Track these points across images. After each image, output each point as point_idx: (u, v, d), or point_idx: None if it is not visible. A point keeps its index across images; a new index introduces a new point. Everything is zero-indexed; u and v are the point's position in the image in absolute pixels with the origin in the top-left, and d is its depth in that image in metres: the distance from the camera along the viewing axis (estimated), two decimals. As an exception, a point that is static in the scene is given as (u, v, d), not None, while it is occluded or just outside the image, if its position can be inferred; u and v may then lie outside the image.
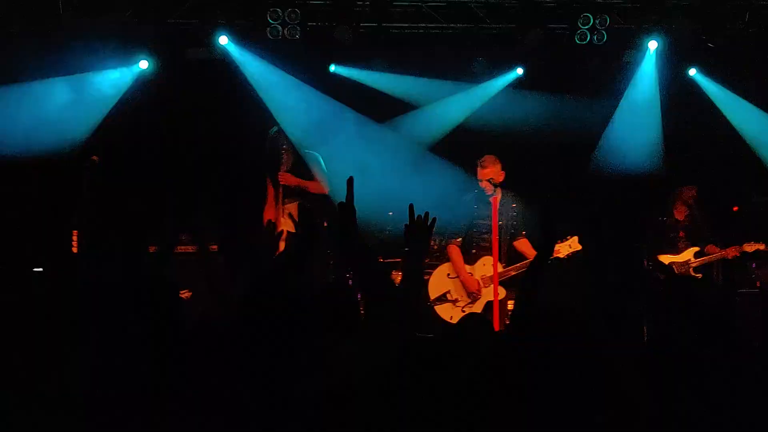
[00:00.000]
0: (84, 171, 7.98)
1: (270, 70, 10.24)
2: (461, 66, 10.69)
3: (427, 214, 3.86)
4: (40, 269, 9.50)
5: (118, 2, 9.96)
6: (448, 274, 8.69)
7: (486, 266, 8.35)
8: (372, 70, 10.75)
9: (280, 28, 9.72)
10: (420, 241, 3.85)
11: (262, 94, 10.04)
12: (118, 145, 9.88)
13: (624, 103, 10.81)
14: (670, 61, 10.59)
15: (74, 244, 7.70)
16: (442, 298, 8.62)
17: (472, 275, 8.45)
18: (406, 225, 3.85)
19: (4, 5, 9.39)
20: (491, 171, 8.25)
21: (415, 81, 10.76)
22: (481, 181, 8.31)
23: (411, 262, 3.83)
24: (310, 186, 8.77)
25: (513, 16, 10.31)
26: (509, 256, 8.50)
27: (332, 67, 10.78)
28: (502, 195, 8.38)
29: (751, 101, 10.72)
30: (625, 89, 10.77)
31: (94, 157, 8.12)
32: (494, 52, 10.54)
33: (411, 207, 3.87)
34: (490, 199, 8.06)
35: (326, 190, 8.76)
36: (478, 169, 8.39)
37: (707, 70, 10.85)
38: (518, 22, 10.22)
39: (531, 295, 4.05)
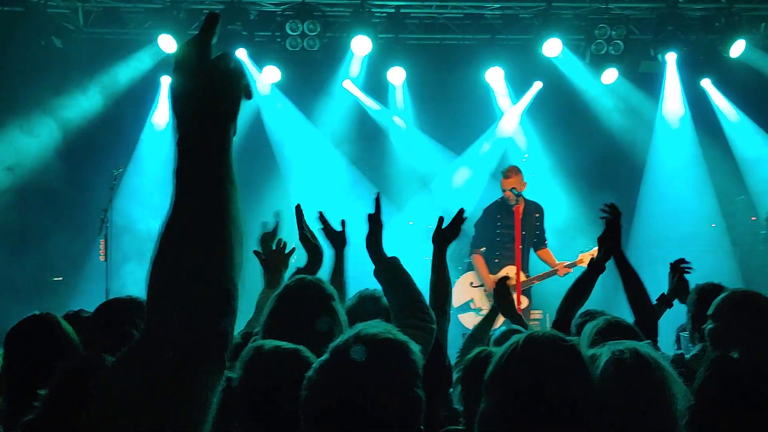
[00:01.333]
0: (111, 180, 8.02)
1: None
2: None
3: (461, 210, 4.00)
4: (60, 278, 9.59)
5: (136, 16, 10.06)
6: (471, 283, 8.74)
7: (509, 275, 8.36)
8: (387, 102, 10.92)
9: (299, 39, 9.79)
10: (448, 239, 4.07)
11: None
12: (146, 156, 10.01)
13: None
14: (686, 72, 10.66)
15: (102, 252, 7.73)
16: (465, 307, 8.67)
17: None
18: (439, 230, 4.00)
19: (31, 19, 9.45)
20: (514, 181, 8.29)
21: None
22: (505, 190, 8.35)
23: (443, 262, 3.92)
24: None
25: (529, 27, 10.38)
26: (531, 265, 8.55)
27: (346, 82, 10.85)
28: (525, 204, 8.44)
29: (757, 117, 10.73)
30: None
31: (121, 167, 8.18)
32: (511, 64, 10.54)
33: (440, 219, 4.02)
34: (513, 209, 8.10)
35: None
36: (501, 179, 8.44)
37: (721, 82, 10.91)
38: (535, 33, 10.28)
39: (576, 304, 4.10)
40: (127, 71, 10.07)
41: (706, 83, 10.93)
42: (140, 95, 10.33)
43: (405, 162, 10.90)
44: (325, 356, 2.15)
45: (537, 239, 8.64)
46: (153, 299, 1.24)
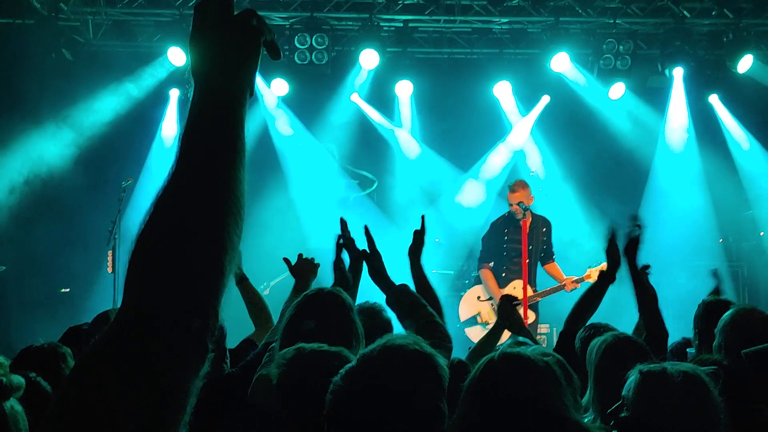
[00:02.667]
0: (120, 192, 8.05)
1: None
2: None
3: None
4: (67, 289, 9.62)
5: (146, 28, 10.12)
6: (479, 297, 8.75)
7: (516, 290, 8.38)
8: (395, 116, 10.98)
9: (307, 53, 9.83)
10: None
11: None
12: (150, 169, 10.06)
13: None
14: (693, 87, 10.68)
15: (110, 264, 7.75)
16: (472, 321, 8.67)
17: None
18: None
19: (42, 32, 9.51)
20: (521, 195, 8.29)
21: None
22: (512, 205, 8.36)
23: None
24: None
25: (537, 41, 10.41)
26: (539, 279, 8.56)
27: (354, 96, 10.90)
28: (533, 219, 8.45)
29: (763, 132, 10.72)
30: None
31: (129, 179, 8.22)
32: (519, 78, 10.56)
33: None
34: (520, 223, 8.11)
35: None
36: (509, 193, 8.45)
37: (727, 97, 10.91)
38: (542, 47, 10.31)
39: (585, 315, 4.13)
40: (136, 84, 10.12)
41: (714, 99, 10.94)
42: (150, 108, 10.38)
43: (411, 176, 10.93)
44: (353, 363, 2.17)
45: (544, 253, 8.65)
46: (131, 272, 1.11)
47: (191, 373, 1.10)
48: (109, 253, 7.79)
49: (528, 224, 8.12)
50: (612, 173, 10.74)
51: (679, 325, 4.78)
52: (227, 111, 1.22)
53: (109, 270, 7.78)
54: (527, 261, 7.97)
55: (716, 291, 5.04)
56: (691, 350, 4.29)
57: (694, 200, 10.57)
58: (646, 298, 4.01)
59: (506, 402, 2.21)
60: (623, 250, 4.08)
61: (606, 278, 4.08)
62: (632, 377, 2.55)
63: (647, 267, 4.41)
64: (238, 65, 1.26)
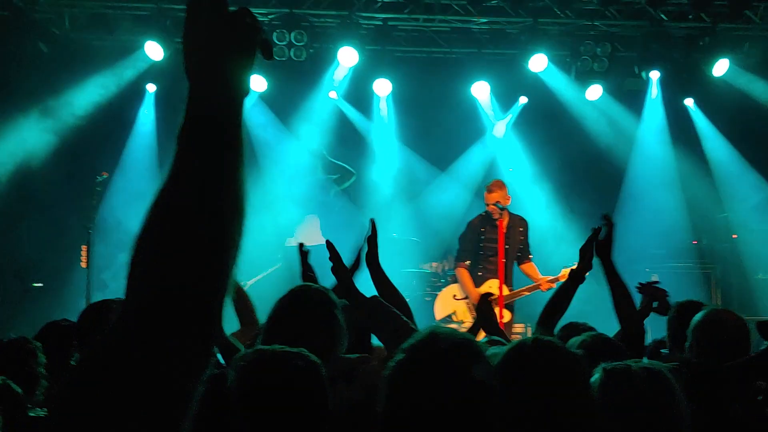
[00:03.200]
0: (95, 186, 7.98)
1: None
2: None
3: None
4: (41, 284, 9.54)
5: (123, 22, 10.03)
6: (455, 296, 8.78)
7: (492, 289, 8.37)
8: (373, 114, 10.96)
9: (286, 49, 9.79)
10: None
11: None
12: (125, 163, 9.99)
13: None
14: (669, 91, 10.77)
15: (83, 259, 7.68)
16: (447, 320, 8.69)
17: None
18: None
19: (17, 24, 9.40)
20: (498, 195, 8.29)
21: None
22: (488, 204, 8.37)
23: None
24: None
25: (516, 42, 10.44)
26: (515, 279, 8.60)
27: (332, 94, 10.87)
28: (509, 218, 8.48)
29: (737, 136, 10.80)
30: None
31: (104, 173, 8.15)
32: (497, 78, 10.58)
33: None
34: (497, 222, 8.13)
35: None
36: (485, 193, 8.47)
37: (703, 101, 11.01)
38: (521, 47, 10.34)
39: (557, 314, 4.15)
40: (113, 77, 10.02)
41: (689, 102, 11.04)
42: (126, 102, 10.29)
43: (389, 174, 10.93)
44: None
45: (521, 253, 8.68)
46: (134, 273, 1.10)
47: (193, 378, 1.09)
48: (83, 247, 7.72)
49: (505, 224, 8.15)
50: (588, 174, 10.79)
51: (652, 326, 4.81)
52: (225, 110, 1.21)
53: (83, 265, 7.70)
54: (503, 260, 8.01)
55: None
56: (664, 351, 4.32)
57: (669, 202, 10.65)
58: (620, 295, 4.02)
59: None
60: (595, 249, 4.10)
61: (576, 278, 4.10)
62: (596, 375, 2.56)
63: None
64: (235, 64, 1.24)
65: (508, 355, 2.34)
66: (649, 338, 4.88)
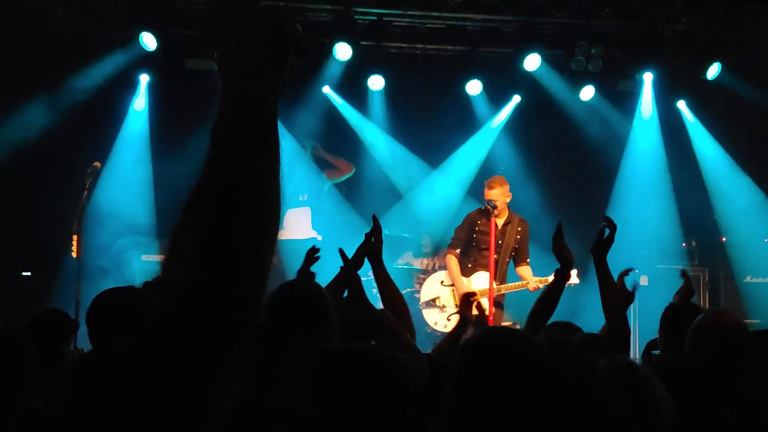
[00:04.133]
0: (86, 176, 7.94)
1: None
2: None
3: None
4: (28, 273, 9.50)
5: (117, 11, 9.99)
6: (442, 282, 8.87)
7: (480, 280, 8.44)
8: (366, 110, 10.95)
9: (281, 43, 9.74)
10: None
11: None
12: (118, 153, 9.95)
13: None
14: (662, 92, 10.80)
15: (74, 249, 7.65)
16: (431, 303, 8.77)
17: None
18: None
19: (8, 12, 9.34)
20: (498, 192, 8.32)
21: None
22: (487, 200, 8.38)
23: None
24: (340, 163, 9.68)
25: (510, 40, 10.44)
26: (506, 276, 8.61)
27: (326, 88, 10.86)
28: (509, 216, 8.53)
29: (729, 139, 10.84)
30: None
31: (97, 163, 8.11)
32: (491, 76, 10.59)
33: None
34: (492, 218, 8.17)
35: (352, 169, 9.78)
36: (486, 189, 8.49)
37: (695, 103, 11.05)
38: (515, 46, 10.35)
39: (545, 314, 4.17)
40: (105, 67, 9.97)
41: (682, 105, 11.08)
42: (119, 91, 10.24)
43: (382, 171, 10.93)
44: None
45: (516, 254, 8.63)
46: (170, 273, 1.12)
47: (228, 376, 1.10)
48: (74, 237, 7.67)
49: (497, 221, 8.23)
50: (580, 175, 10.83)
51: (642, 327, 4.84)
52: (259, 112, 1.21)
53: (74, 254, 7.67)
54: (494, 256, 8.04)
55: (685, 288, 5.02)
56: (655, 352, 4.34)
57: (659, 204, 10.68)
58: (609, 294, 4.05)
59: None
60: (592, 249, 4.12)
61: (560, 278, 4.12)
62: None
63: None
64: (269, 66, 1.24)
65: None
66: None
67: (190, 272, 1.11)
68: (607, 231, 4.13)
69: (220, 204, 1.14)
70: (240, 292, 1.11)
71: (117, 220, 9.29)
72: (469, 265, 8.59)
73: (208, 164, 1.17)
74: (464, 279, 8.56)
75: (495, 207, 8.18)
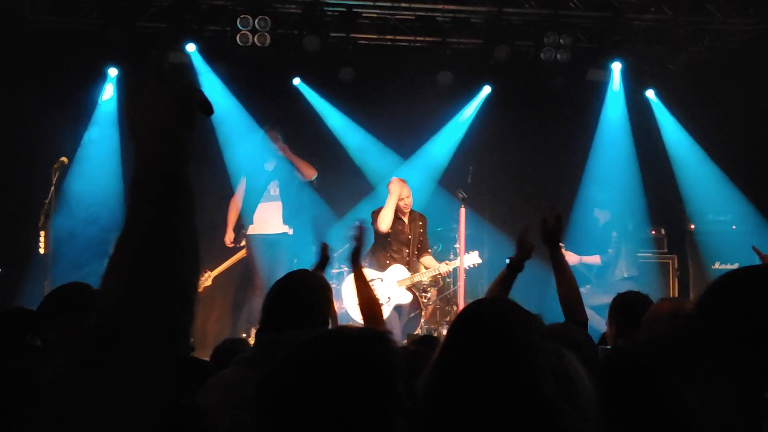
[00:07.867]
0: (53, 171, 7.88)
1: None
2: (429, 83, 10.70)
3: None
4: (-1, 270, 9.40)
5: (84, 5, 9.91)
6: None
7: (396, 271, 8.87)
8: (336, 102, 10.94)
9: (250, 35, 9.74)
10: None
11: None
12: (90, 150, 9.88)
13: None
14: (631, 82, 10.87)
15: (42, 244, 7.59)
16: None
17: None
18: None
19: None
20: (408, 191, 8.93)
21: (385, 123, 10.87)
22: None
23: None
24: (303, 166, 9.60)
25: (480, 31, 10.47)
26: (416, 267, 9.09)
27: (296, 80, 10.82)
28: (410, 213, 9.02)
29: (697, 128, 10.93)
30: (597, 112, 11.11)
31: (63, 159, 8.05)
32: (461, 67, 10.60)
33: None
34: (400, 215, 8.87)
35: (314, 173, 9.69)
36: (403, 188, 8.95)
37: (664, 93, 11.13)
38: (485, 38, 10.37)
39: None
40: (74, 60, 9.89)
41: (650, 94, 11.17)
42: (87, 85, 10.16)
43: (353, 162, 10.93)
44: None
45: (421, 245, 9.13)
46: (104, 297, 1.21)
47: (156, 400, 1.14)
48: (42, 233, 7.62)
49: (407, 218, 8.98)
50: (549, 165, 10.87)
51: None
52: (172, 168, 1.29)
53: (41, 250, 7.61)
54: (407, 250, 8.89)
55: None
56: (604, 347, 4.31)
57: (628, 192, 10.75)
58: (566, 285, 4.06)
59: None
60: (543, 238, 4.14)
61: (514, 268, 4.11)
62: None
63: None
64: (178, 126, 1.33)
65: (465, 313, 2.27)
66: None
67: (121, 298, 1.19)
68: (551, 222, 4.14)
69: (144, 252, 1.22)
70: (164, 310, 1.19)
71: (86, 214, 9.22)
72: (387, 261, 8.92)
73: (130, 220, 1.25)
74: (381, 274, 8.83)
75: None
